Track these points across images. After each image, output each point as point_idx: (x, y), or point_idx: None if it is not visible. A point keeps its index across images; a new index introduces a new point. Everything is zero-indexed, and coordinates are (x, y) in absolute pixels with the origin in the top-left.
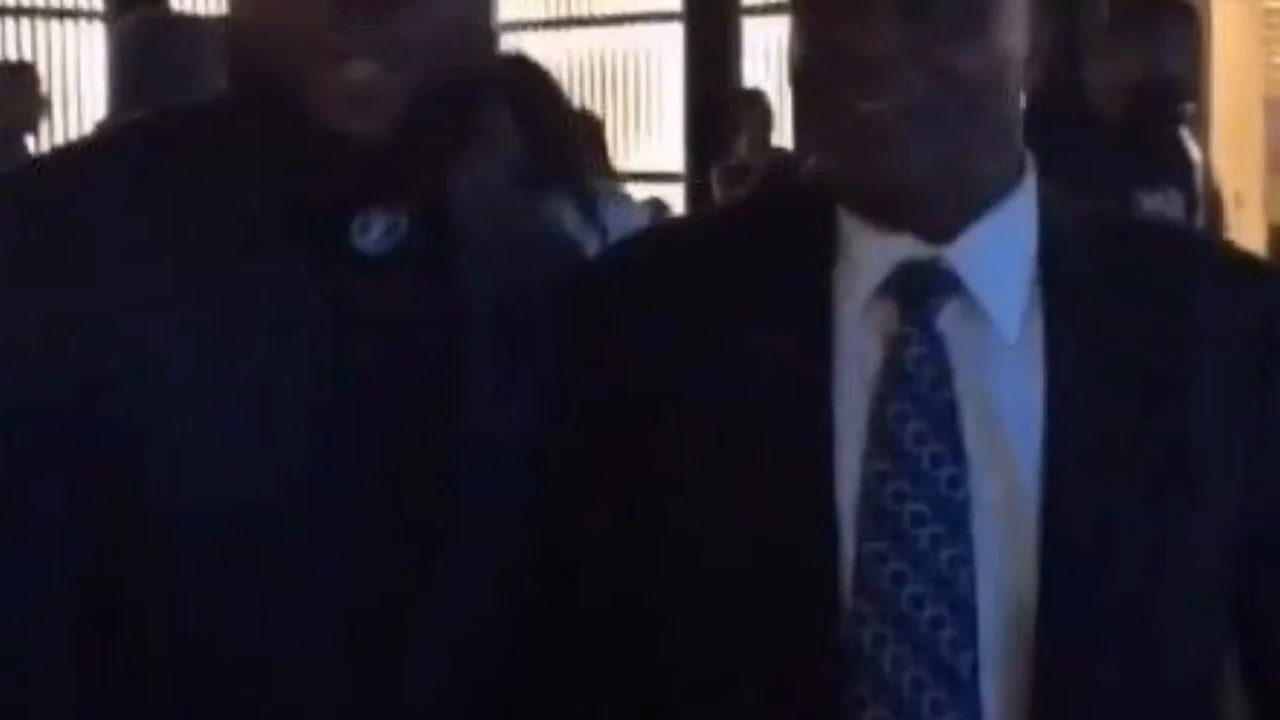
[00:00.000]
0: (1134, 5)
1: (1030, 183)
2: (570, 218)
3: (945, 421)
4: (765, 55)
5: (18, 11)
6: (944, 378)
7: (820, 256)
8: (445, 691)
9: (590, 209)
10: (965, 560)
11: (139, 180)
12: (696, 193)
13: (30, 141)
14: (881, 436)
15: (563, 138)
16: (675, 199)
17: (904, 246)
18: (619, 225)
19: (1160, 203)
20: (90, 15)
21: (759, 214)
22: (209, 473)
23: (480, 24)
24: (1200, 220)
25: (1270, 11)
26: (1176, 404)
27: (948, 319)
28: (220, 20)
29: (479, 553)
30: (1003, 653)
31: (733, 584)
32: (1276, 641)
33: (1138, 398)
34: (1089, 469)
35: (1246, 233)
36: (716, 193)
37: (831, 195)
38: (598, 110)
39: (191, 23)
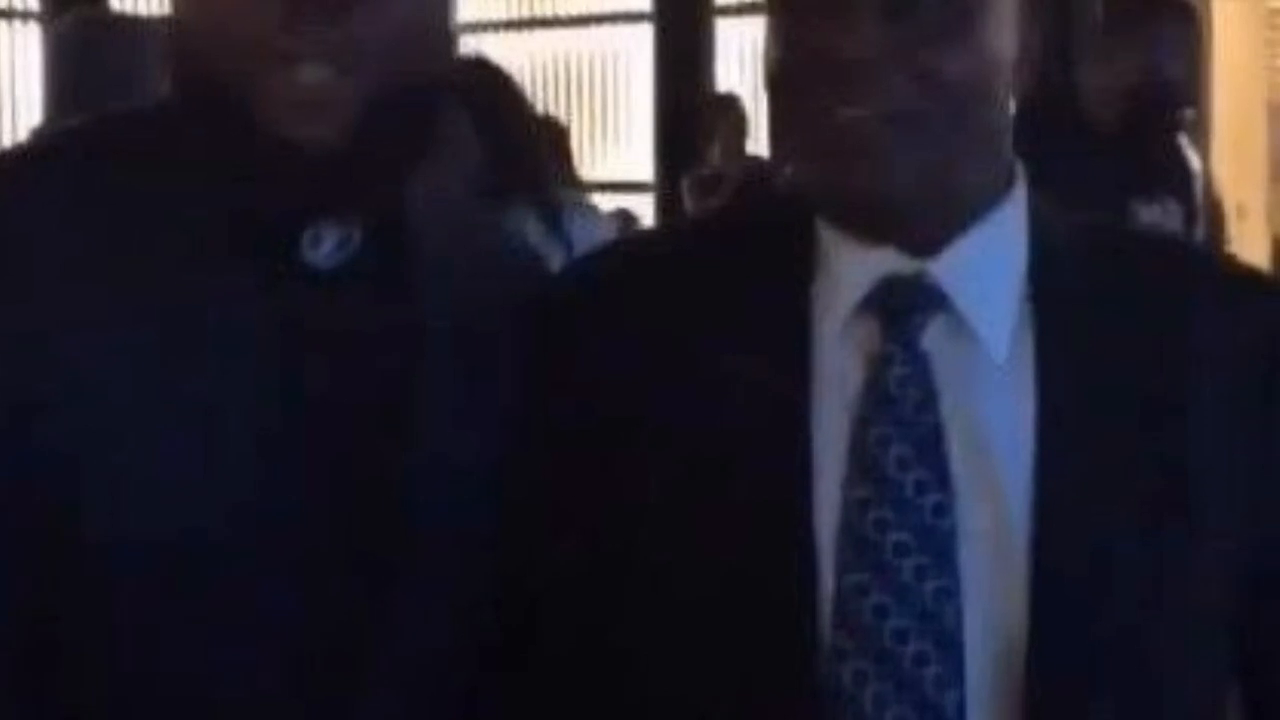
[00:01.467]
0: (1129, 5)
1: (1020, 193)
2: (533, 230)
3: (930, 446)
4: (739, 58)
5: None
6: (929, 400)
7: (798, 271)
8: None
9: (554, 221)
10: (951, 593)
11: (77, 191)
12: (667, 204)
13: None
14: (863, 462)
15: (525, 146)
16: (644, 210)
17: (886, 261)
18: (585, 238)
19: (1158, 214)
20: (25, 16)
21: (733, 226)
22: (150, 501)
23: (438, 25)
24: (1200, 233)
25: (1275, 11)
26: (1175, 428)
27: (933, 338)
28: (163, 21)
29: (436, 586)
30: (991, 691)
31: (705, 619)
32: None
33: (1134, 421)
34: (1082, 497)
35: (1249, 246)
36: (688, 204)
37: (810, 206)
38: (562, 116)
39: (132, 24)
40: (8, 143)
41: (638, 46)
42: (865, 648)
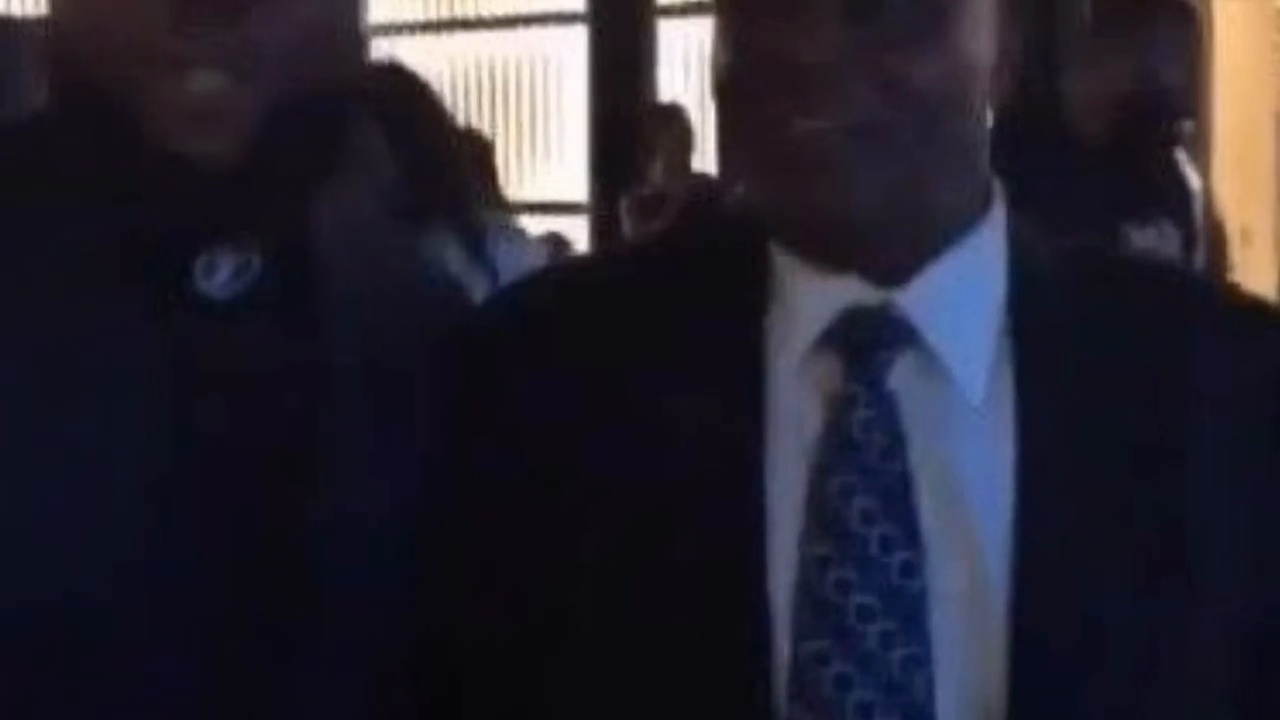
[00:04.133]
0: (1121, 4)
1: (998, 215)
2: (454, 256)
3: (898, 497)
4: (684, 63)
5: None
6: (896, 445)
7: (750, 302)
8: None
9: (477, 245)
10: (921, 662)
11: None
12: (603, 227)
13: None
14: (822, 515)
15: (445, 161)
16: (578, 234)
17: (849, 290)
18: (511, 265)
19: (1152, 238)
20: None
21: (677, 252)
22: (25, 557)
23: (347, 26)
24: (1200, 259)
25: None
26: (1172, 476)
27: (900, 376)
28: (40, 22)
29: (346, 653)
30: None
31: (646, 691)
32: None
33: (1126, 469)
34: (1068, 554)
35: (1254, 273)
36: (627, 226)
37: (763, 229)
38: (486, 129)
39: (5, 25)
40: None
41: (570, 50)
42: None
